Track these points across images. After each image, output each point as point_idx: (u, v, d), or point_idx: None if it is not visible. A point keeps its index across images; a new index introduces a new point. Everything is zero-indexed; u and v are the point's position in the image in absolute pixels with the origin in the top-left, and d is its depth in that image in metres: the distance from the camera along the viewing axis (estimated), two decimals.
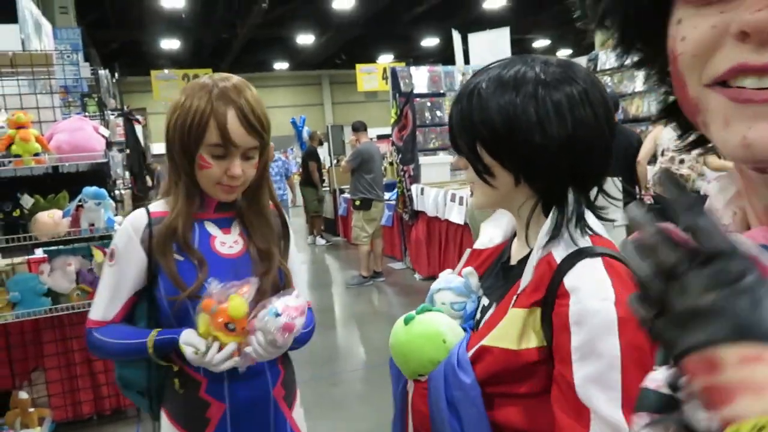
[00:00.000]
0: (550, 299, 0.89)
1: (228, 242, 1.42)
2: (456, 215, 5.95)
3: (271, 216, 1.49)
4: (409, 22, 15.75)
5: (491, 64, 0.98)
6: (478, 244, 1.17)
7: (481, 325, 1.03)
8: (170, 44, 16.92)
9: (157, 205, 1.42)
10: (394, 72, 7.61)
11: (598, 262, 0.89)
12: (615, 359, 0.83)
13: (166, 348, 1.35)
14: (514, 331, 0.91)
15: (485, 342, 0.93)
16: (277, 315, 1.29)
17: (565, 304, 0.87)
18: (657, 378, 0.47)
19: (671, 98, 0.54)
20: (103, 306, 1.40)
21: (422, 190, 6.77)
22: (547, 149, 0.90)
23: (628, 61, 0.55)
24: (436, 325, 1.02)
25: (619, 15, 0.51)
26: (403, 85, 7.47)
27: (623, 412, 0.82)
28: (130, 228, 1.39)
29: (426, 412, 0.99)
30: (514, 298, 0.94)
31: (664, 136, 4.72)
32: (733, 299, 0.36)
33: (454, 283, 1.09)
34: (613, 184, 1.04)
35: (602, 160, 0.96)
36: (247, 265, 1.41)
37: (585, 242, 0.93)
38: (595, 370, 0.84)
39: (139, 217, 1.40)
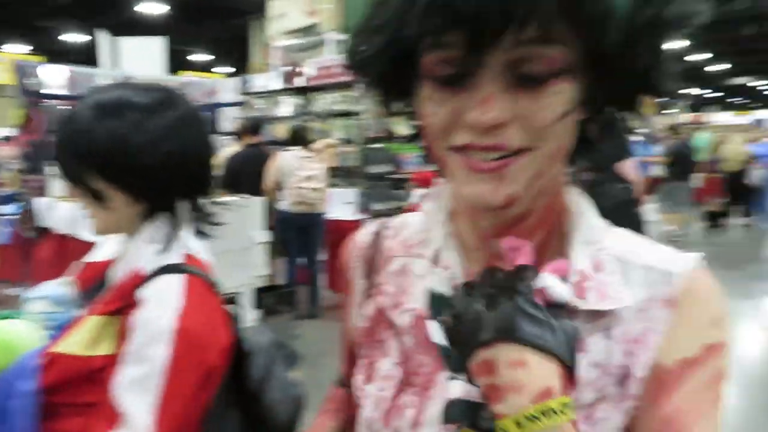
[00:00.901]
0: (127, 309, 0.92)
1: None
2: (89, 233, 5.40)
3: None
4: (52, 10, 13.96)
5: (91, 91, 1.01)
6: (94, 257, 1.16)
7: None
8: None
9: None
10: (20, 66, 6.64)
11: (178, 278, 0.94)
12: (160, 366, 0.87)
13: None
14: (86, 337, 0.92)
15: (55, 349, 0.93)
16: None
17: (133, 313, 0.91)
18: (458, 389, 0.58)
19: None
20: None
21: (51, 203, 6.01)
22: (159, 168, 0.96)
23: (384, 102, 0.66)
24: (5, 333, 1.00)
25: (376, 74, 0.62)
26: (30, 83, 6.55)
27: (156, 419, 0.85)
28: None
29: None
30: (94, 305, 0.96)
31: (283, 165, 5.13)
32: (496, 313, 0.50)
33: (50, 292, 1.08)
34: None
35: (207, 178, 1.05)
36: None
37: (177, 259, 0.98)
38: (138, 374, 0.87)
39: None
